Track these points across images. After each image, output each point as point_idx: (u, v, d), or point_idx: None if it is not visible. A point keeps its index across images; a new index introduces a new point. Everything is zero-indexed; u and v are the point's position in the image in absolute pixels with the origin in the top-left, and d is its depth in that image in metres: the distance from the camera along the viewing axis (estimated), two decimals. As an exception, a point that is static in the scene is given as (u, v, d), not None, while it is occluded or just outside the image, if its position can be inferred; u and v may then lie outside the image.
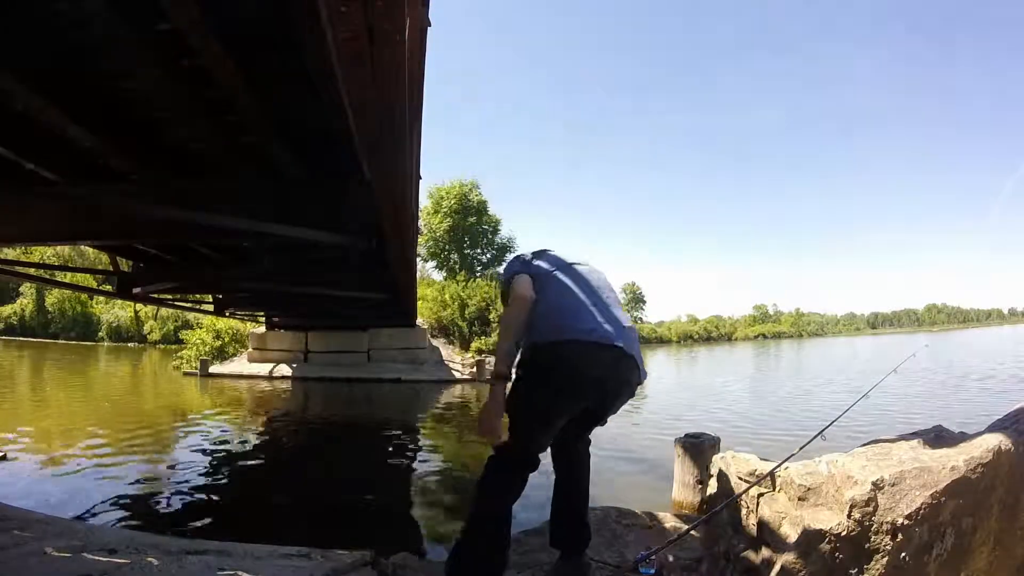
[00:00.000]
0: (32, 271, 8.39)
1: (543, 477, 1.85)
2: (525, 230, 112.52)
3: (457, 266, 31.00)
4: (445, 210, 31.31)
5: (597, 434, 1.93)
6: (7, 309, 38.33)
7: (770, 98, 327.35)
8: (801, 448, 1.66)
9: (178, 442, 6.50)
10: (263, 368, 14.87)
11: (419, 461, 5.87)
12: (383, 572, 1.81)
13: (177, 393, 12.21)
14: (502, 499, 1.68)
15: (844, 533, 1.20)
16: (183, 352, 18.30)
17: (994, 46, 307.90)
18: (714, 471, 1.61)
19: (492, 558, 1.66)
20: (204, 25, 1.96)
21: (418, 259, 20.90)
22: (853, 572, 1.19)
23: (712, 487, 1.60)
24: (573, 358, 1.63)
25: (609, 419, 1.84)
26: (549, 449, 1.84)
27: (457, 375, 14.59)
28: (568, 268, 1.84)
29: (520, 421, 1.65)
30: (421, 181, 5.99)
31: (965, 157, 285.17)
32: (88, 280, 24.10)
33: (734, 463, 1.54)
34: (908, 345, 30.10)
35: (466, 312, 20.84)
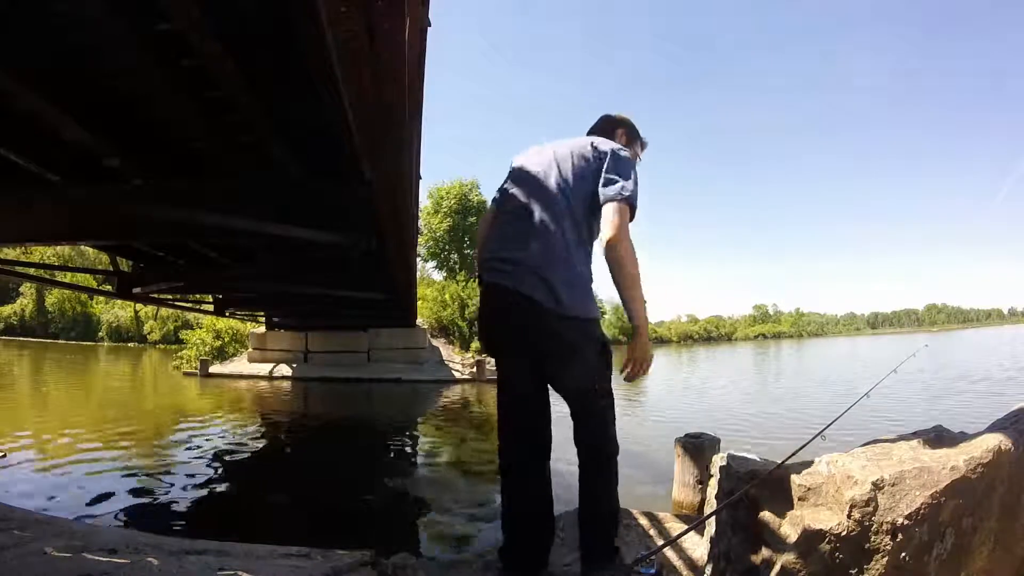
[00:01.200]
0: (32, 271, 8.39)
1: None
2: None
3: (457, 266, 31.00)
4: (445, 210, 31.32)
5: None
6: (7, 309, 38.37)
7: (771, 97, 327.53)
8: (801, 448, 1.65)
9: (178, 442, 6.50)
10: (263, 368, 14.87)
11: (419, 461, 5.87)
12: (383, 572, 1.81)
13: (177, 393, 12.21)
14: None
15: (844, 533, 1.20)
16: (183, 352, 18.32)
17: (996, 43, 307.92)
18: (714, 471, 1.60)
19: (513, 521, 1.73)
20: (204, 25, 1.96)
21: (418, 259, 20.89)
22: (853, 572, 1.18)
23: (712, 487, 1.60)
24: (480, 303, 1.73)
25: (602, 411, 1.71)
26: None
27: (457, 375, 14.58)
28: (515, 185, 1.72)
29: None
30: (421, 181, 6.00)
31: (965, 156, 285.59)
32: (88, 280, 24.10)
33: (734, 463, 1.54)
34: (908, 345, 30.09)
35: (466, 312, 20.85)
